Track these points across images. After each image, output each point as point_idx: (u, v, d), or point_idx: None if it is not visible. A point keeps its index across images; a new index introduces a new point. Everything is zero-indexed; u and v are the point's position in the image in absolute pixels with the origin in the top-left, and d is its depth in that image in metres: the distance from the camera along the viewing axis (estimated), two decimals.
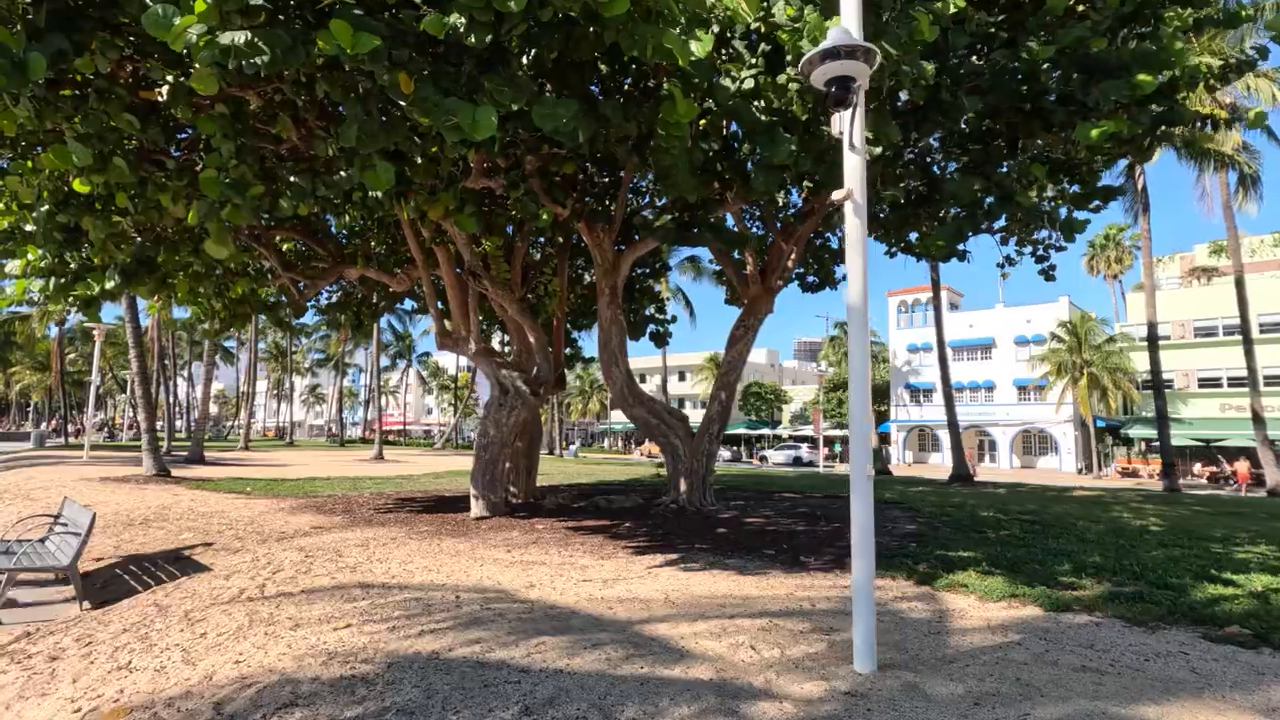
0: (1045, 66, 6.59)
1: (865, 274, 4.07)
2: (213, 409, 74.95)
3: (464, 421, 64.45)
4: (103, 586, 7.04)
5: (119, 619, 5.34)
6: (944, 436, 56.38)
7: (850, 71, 3.83)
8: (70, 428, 49.95)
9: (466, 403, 61.45)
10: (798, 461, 54.19)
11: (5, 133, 7.38)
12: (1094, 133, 6.30)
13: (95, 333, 23.94)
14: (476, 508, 10.18)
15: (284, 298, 13.73)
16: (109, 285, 8.90)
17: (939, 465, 52.73)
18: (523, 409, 10.36)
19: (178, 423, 52.17)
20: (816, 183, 7.45)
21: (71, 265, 8.96)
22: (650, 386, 76.85)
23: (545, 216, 7.05)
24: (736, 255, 12.50)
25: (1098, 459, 48.32)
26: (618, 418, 75.88)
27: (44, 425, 53.97)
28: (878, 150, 6.42)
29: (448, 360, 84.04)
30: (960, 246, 10.02)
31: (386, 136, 5.72)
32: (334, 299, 14.68)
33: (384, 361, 71.89)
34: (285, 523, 9.82)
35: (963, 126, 7.94)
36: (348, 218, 7.68)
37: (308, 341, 63.43)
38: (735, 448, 62.48)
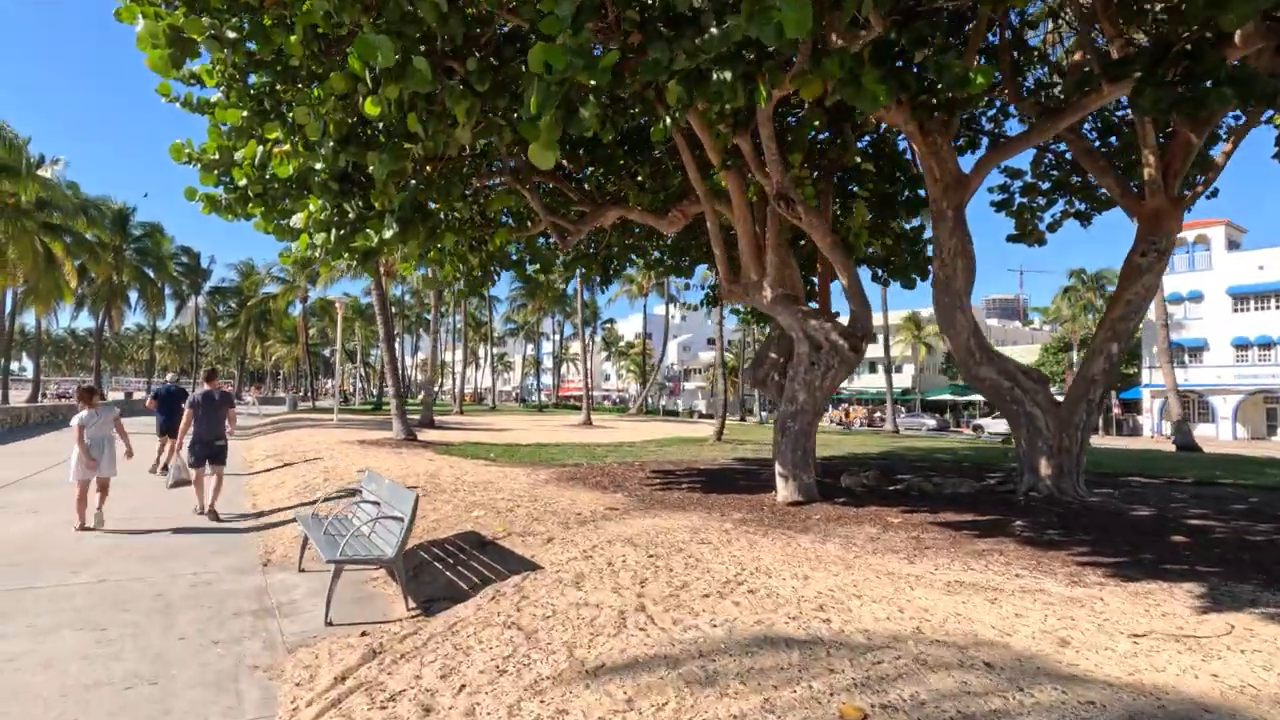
0: None
1: None
2: (419, 376, 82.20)
3: (651, 388, 64.32)
4: (415, 576, 6.02)
5: (479, 646, 3.99)
6: (1216, 403, 46.36)
7: None
8: (311, 393, 56.80)
9: (653, 372, 61.25)
10: None
11: (291, 53, 6.49)
12: None
13: (337, 305, 25.56)
14: (785, 490, 8.28)
15: (529, 253, 12.75)
16: (386, 235, 8.01)
17: (1212, 438, 43.22)
18: (840, 368, 8.23)
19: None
20: None
21: (350, 215, 8.22)
22: None
23: (980, 79, 4.74)
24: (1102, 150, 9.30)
25: None
26: None
27: (293, 391, 62.00)
28: None
29: (626, 328, 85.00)
30: None
31: None
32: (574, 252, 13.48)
33: (569, 330, 74.22)
34: (570, 500, 8.60)
35: None
36: (670, 118, 5.86)
37: (505, 310, 66.72)
38: (940, 416, 56.30)
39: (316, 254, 8.58)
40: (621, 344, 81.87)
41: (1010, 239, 13.77)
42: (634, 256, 14.28)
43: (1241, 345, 45.26)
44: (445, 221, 9.76)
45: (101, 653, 4.23)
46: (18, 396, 42.35)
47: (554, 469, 12.50)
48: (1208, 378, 46.66)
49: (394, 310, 59.49)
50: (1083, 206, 13.38)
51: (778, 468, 8.48)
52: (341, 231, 8.24)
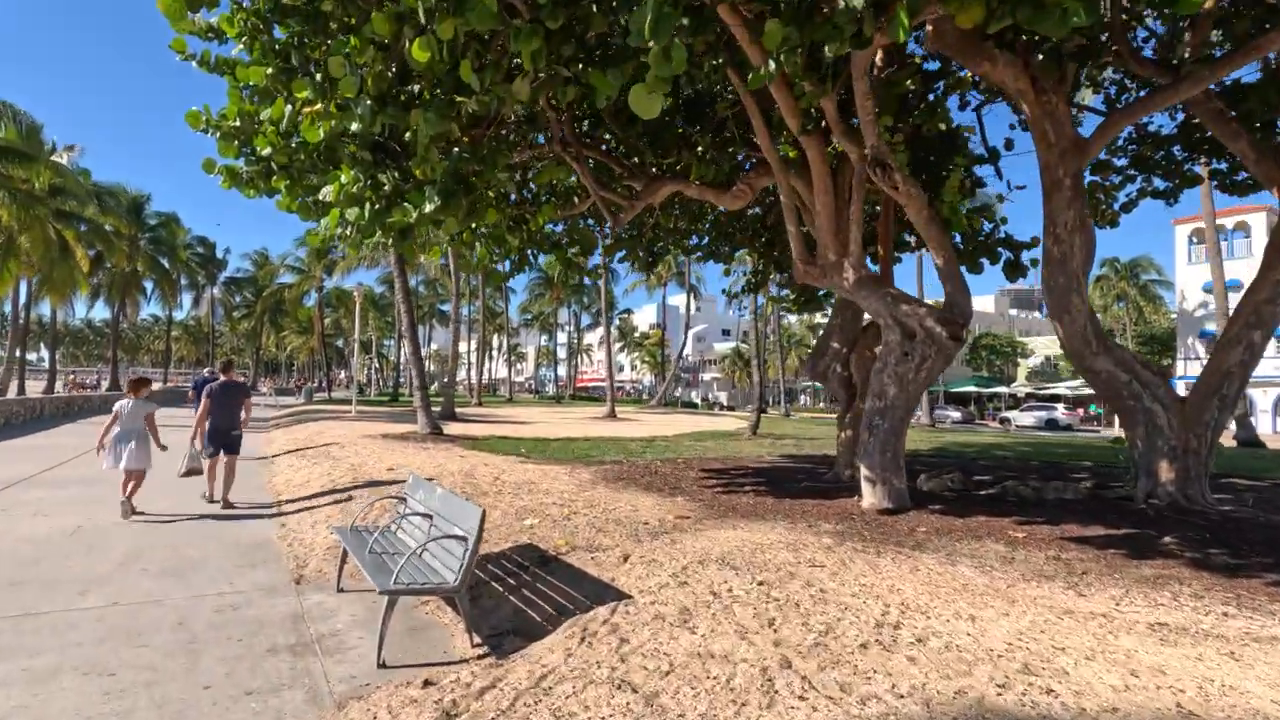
0: None
1: None
2: (432, 367, 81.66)
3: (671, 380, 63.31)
4: (473, 600, 5.17)
5: (584, 714, 3.11)
6: (1256, 396, 44.78)
7: None
8: (327, 384, 56.37)
9: (671, 363, 60.31)
10: (1052, 425, 46.35)
11: None
12: None
13: (355, 294, 24.80)
14: (873, 496, 7.37)
15: (568, 235, 11.86)
16: (427, 208, 7.13)
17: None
18: (938, 359, 7.29)
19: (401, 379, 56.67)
20: None
21: (385, 187, 7.34)
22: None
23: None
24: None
25: None
26: None
27: (306, 382, 61.65)
28: None
29: (641, 319, 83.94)
30: None
31: None
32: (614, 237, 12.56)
33: (584, 320, 73.39)
34: (630, 506, 7.73)
35: None
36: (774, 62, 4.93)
37: (523, 300, 65.99)
38: (965, 408, 54.95)
39: (347, 231, 7.72)
40: (636, 335, 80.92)
41: (1134, 208, 12.78)
42: (674, 241, 13.35)
43: None
44: (486, 197, 8.88)
45: (109, 710, 3.41)
46: (34, 387, 42.09)
47: (595, 467, 11.65)
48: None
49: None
50: (1164, 185, 12.33)
51: (863, 470, 7.56)
52: (376, 206, 7.36)
